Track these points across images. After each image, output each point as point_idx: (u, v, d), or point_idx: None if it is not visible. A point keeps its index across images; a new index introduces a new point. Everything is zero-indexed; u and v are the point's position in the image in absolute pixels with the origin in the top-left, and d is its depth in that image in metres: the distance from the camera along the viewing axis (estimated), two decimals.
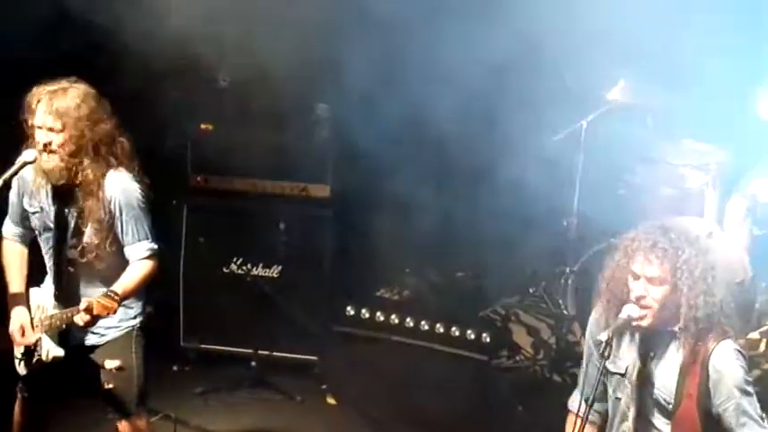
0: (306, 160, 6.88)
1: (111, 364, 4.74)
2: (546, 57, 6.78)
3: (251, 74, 6.57)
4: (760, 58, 6.18)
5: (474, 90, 6.55)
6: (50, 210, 4.80)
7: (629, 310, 4.04)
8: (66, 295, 4.78)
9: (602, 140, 6.69)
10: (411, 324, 6.79)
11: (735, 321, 4.10)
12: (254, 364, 6.76)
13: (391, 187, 6.74)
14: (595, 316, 4.26)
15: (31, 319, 4.83)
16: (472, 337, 6.70)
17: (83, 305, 4.51)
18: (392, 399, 6.39)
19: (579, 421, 4.12)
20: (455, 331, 6.72)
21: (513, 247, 6.89)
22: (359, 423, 6.37)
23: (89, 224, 4.70)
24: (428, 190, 6.83)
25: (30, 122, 4.64)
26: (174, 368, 6.88)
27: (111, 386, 4.84)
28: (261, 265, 6.86)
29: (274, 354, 6.80)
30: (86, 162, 4.64)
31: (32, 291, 4.92)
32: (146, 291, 4.91)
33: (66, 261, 4.79)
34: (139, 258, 4.76)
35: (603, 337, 4.02)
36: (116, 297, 4.58)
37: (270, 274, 6.87)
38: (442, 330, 6.75)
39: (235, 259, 6.87)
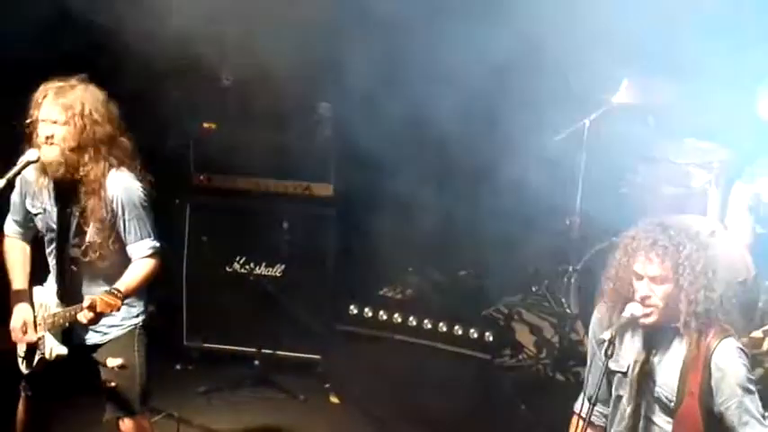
0: (308, 159, 6.89)
1: (113, 362, 4.76)
2: (548, 56, 6.76)
3: (253, 73, 6.57)
4: (762, 56, 6.17)
5: (476, 90, 6.53)
6: (53, 210, 4.81)
7: (633, 309, 4.04)
8: (69, 294, 4.80)
9: (605, 139, 6.68)
10: (414, 323, 6.77)
11: (736, 319, 4.09)
12: (257, 363, 6.77)
13: (394, 186, 6.72)
14: (598, 315, 4.26)
15: (35, 317, 4.84)
16: (475, 335, 6.67)
17: (86, 302, 4.53)
18: (395, 397, 6.38)
19: (582, 423, 4.11)
20: (458, 330, 6.69)
21: (515, 246, 6.88)
22: (362, 422, 6.37)
23: (91, 223, 4.71)
24: (431, 189, 6.83)
25: (35, 116, 4.64)
26: (177, 367, 6.90)
27: (113, 384, 4.85)
28: (264, 264, 6.86)
29: (277, 353, 6.80)
30: (86, 159, 4.65)
31: (35, 289, 4.93)
32: (147, 289, 4.93)
33: (68, 260, 4.80)
34: (142, 257, 4.77)
35: (606, 336, 4.02)
36: (119, 294, 4.59)
37: (273, 273, 6.87)
38: (444, 329, 6.73)
39: (238, 258, 6.88)
